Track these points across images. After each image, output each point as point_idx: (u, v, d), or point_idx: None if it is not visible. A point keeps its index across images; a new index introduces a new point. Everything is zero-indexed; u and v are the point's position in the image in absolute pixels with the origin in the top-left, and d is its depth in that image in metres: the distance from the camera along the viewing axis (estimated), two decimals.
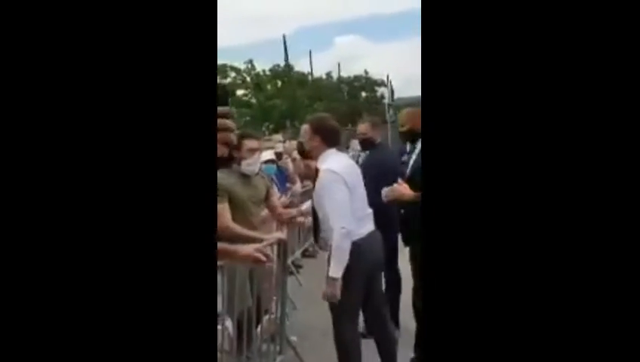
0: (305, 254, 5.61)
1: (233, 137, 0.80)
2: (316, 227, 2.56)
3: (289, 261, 4.32)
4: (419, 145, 2.75)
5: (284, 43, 24.15)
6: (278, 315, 2.86)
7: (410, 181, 2.64)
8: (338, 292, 2.27)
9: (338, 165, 2.42)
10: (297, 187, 5.32)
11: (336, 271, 2.26)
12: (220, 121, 0.77)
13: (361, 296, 2.44)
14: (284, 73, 24.83)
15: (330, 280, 2.27)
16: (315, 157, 2.54)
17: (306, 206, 3.16)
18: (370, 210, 2.52)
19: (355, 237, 2.34)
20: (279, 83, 25.42)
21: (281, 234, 2.86)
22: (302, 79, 25.50)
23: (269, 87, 24.56)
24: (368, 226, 2.48)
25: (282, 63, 25.12)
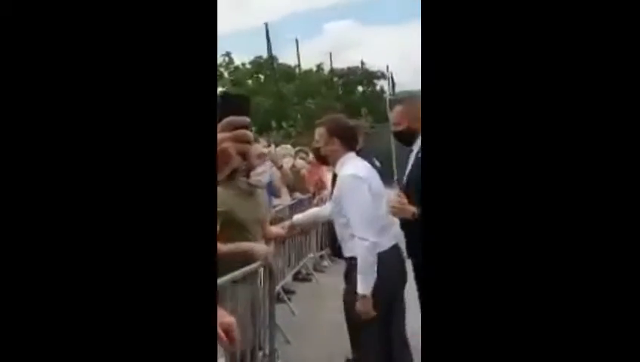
0: (297, 278, 5.61)
1: (250, 149, 0.87)
2: (333, 237, 2.58)
3: (278, 286, 4.32)
4: (415, 148, 2.70)
5: (267, 31, 24.32)
6: (267, 352, 2.86)
7: (405, 193, 2.60)
8: (371, 309, 2.39)
9: (362, 170, 2.52)
10: (285, 200, 5.33)
11: (365, 287, 2.38)
12: (239, 131, 0.84)
13: (383, 313, 2.49)
14: (267, 66, 24.95)
15: (361, 298, 2.39)
16: (333, 163, 2.62)
17: (300, 217, 3.13)
18: (392, 219, 2.58)
19: (378, 250, 2.42)
20: (262, 77, 25.53)
21: (269, 249, 2.77)
22: (288, 72, 25.64)
23: (249, 82, 24.69)
24: (390, 238, 2.55)
25: (265, 55, 25.26)
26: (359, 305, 2.40)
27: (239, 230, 2.48)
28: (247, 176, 2.55)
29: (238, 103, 0.88)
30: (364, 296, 2.37)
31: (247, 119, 0.86)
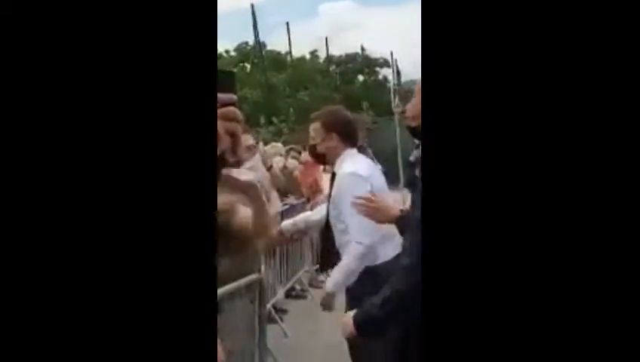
0: (291, 294, 5.60)
1: (239, 129, 0.89)
2: (324, 249, 2.61)
3: (269, 304, 4.32)
4: None
5: (253, 14, 24.28)
6: None
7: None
8: (332, 307, 2.50)
9: (363, 168, 2.53)
10: (276, 206, 5.32)
11: (333, 286, 2.46)
12: (226, 108, 0.87)
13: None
14: (255, 53, 24.90)
15: (326, 293, 2.49)
16: (332, 161, 2.63)
17: (289, 223, 3.14)
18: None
19: (380, 260, 2.43)
20: (248, 66, 25.47)
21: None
22: (278, 60, 25.58)
23: (234, 71, 24.58)
24: (394, 246, 2.49)
25: (251, 41, 25.22)
26: (322, 300, 2.50)
27: (231, 235, 2.44)
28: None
29: (222, 80, 0.89)
30: (331, 294, 2.46)
31: (234, 96, 0.89)
